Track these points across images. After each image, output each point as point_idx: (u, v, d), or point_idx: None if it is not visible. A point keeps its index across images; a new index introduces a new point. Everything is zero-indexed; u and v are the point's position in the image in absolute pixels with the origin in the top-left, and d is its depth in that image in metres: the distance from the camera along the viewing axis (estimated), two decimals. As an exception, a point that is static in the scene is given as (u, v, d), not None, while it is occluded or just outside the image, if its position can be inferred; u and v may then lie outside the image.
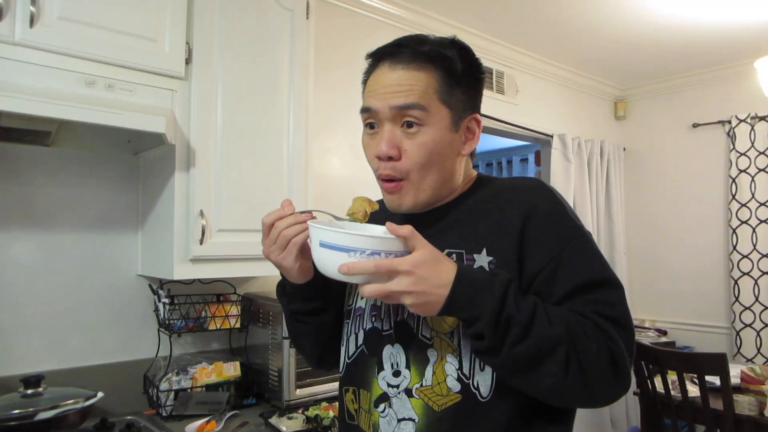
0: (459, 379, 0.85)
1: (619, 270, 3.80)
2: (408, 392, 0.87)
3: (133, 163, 1.99)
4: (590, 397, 0.81)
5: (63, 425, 1.46)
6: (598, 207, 3.81)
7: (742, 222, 3.52)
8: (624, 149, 4.08)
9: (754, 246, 3.48)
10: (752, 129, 3.52)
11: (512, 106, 3.31)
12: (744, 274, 3.49)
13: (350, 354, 0.99)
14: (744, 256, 3.50)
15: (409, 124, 0.88)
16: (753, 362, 3.34)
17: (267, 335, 1.91)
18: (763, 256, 3.44)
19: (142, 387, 1.90)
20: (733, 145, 3.58)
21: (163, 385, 1.77)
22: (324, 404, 1.77)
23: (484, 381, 0.84)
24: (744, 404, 2.34)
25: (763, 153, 3.48)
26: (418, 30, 2.85)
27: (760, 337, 3.42)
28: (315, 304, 0.98)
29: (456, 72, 0.91)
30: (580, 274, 0.84)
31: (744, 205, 3.52)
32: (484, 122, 3.04)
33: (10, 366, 1.70)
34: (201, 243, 1.72)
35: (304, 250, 0.89)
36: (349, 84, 2.59)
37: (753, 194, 3.50)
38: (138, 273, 1.97)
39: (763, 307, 3.42)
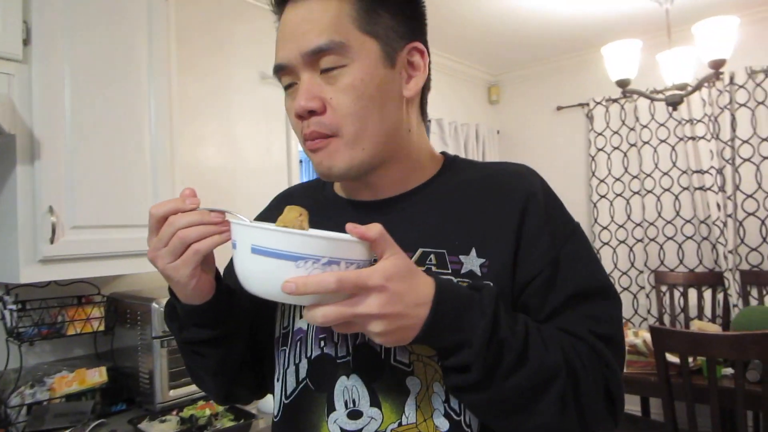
0: (447, 415, 0.66)
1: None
2: None
3: (-33, 156, 1.77)
4: None
5: None
6: (477, 188, 3.99)
7: (601, 197, 3.86)
8: (498, 132, 4.31)
9: (612, 218, 3.83)
10: (607, 110, 3.86)
11: (390, 91, 3.34)
12: (604, 243, 3.83)
13: (289, 392, 0.74)
14: (604, 228, 3.84)
15: (329, 69, 0.68)
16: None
17: (135, 336, 1.80)
18: (620, 226, 3.80)
19: (-9, 405, 1.72)
20: (592, 125, 3.90)
21: (14, 400, 1.61)
22: (200, 403, 1.70)
23: (475, 417, 0.66)
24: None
25: (616, 132, 3.83)
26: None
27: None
28: (216, 332, 0.71)
29: None
30: (576, 280, 0.68)
31: (602, 180, 3.86)
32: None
33: None
34: (52, 242, 1.57)
35: (205, 261, 0.65)
36: (220, 69, 2.49)
37: (609, 170, 3.84)
38: (-21, 279, 1.77)
39: (621, 274, 3.79)
